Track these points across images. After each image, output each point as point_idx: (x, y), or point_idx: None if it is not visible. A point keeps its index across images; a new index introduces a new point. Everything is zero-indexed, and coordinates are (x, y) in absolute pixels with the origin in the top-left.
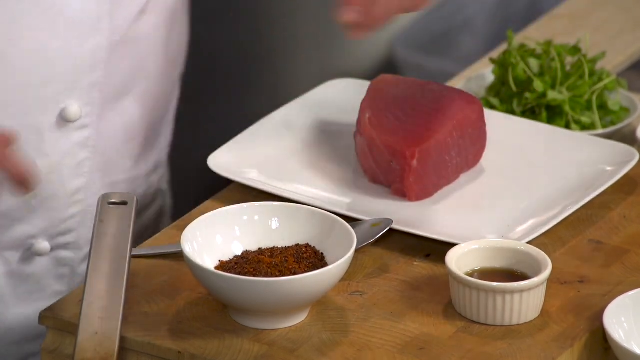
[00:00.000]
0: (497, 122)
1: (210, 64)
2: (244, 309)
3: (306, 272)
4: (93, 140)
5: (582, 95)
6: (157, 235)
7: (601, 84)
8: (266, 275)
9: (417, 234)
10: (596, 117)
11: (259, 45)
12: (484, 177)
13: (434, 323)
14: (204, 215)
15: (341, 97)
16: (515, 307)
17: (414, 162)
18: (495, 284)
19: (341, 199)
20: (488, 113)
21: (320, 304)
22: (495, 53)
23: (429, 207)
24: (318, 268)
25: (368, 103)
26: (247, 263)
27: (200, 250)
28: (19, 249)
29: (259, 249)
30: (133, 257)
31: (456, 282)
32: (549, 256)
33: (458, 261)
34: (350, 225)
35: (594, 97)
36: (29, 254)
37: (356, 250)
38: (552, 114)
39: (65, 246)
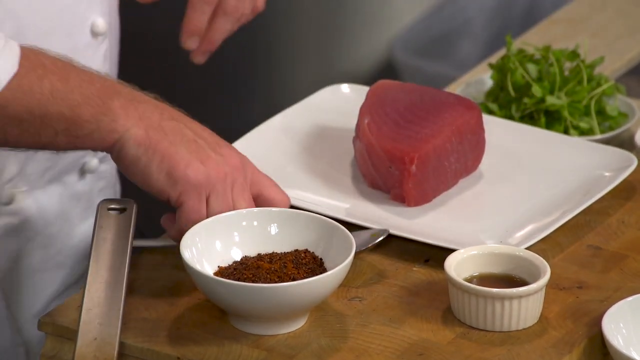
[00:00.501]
0: (495, 128)
1: (208, 70)
2: (243, 315)
3: (305, 277)
4: (109, 52)
5: (580, 101)
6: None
7: (599, 90)
8: (265, 281)
9: (415, 239)
10: (594, 122)
11: (258, 47)
12: (482, 182)
13: (433, 329)
14: (203, 222)
15: (340, 103)
16: (514, 313)
17: (413, 168)
18: (494, 290)
19: (340, 204)
20: (487, 118)
21: (319, 310)
22: (494, 58)
23: (427, 212)
24: (317, 274)
25: (367, 108)
26: (247, 269)
27: (200, 256)
28: (73, 171)
29: (258, 254)
30: (136, 248)
31: (455, 288)
32: (548, 261)
33: (457, 267)
34: (350, 232)
35: (593, 103)
36: (81, 173)
37: (354, 256)
38: (551, 119)
39: (106, 160)
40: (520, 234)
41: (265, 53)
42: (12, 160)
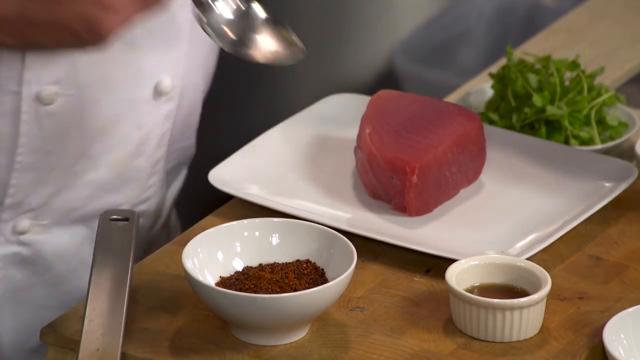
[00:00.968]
0: (496, 138)
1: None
2: (245, 325)
3: (307, 288)
4: (174, 113)
5: (580, 111)
6: (157, 251)
7: (600, 99)
8: (267, 291)
9: (417, 249)
10: (595, 132)
11: None
12: (483, 192)
13: (434, 339)
14: (205, 232)
15: (341, 112)
16: (515, 323)
17: (414, 178)
18: (495, 300)
19: (341, 214)
20: (487, 128)
21: (321, 320)
22: (494, 68)
23: (428, 222)
24: (318, 284)
25: (368, 118)
26: (248, 279)
27: (202, 267)
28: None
29: (260, 264)
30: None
31: (456, 299)
32: (549, 272)
33: (458, 277)
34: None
35: (593, 112)
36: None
37: (355, 266)
38: (551, 129)
39: (141, 213)
40: (520, 244)
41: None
42: (40, 193)
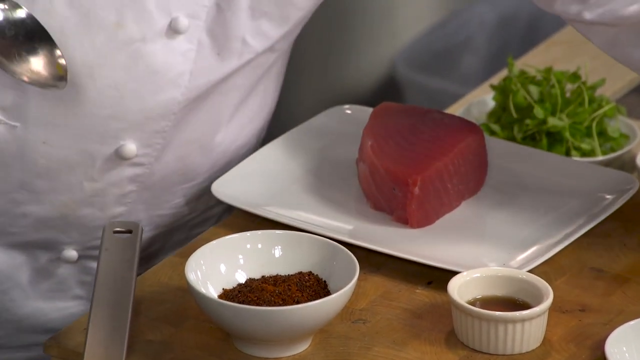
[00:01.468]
0: (498, 150)
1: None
2: (247, 338)
3: (309, 300)
4: (145, 177)
5: (582, 122)
6: (160, 263)
7: (601, 111)
8: (269, 304)
9: (418, 261)
10: (596, 143)
11: None
12: (485, 204)
13: (437, 352)
14: (207, 244)
15: (343, 124)
16: (517, 336)
17: (416, 190)
18: (497, 313)
19: (343, 226)
20: (489, 140)
21: (323, 332)
22: (496, 79)
23: (430, 234)
24: (321, 296)
25: (370, 130)
26: (251, 291)
27: (204, 279)
28: (48, 251)
29: (262, 277)
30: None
31: (458, 311)
32: (550, 284)
33: (460, 289)
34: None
35: (594, 124)
36: (57, 258)
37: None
38: (553, 141)
39: (93, 257)
40: (522, 256)
41: None
42: None
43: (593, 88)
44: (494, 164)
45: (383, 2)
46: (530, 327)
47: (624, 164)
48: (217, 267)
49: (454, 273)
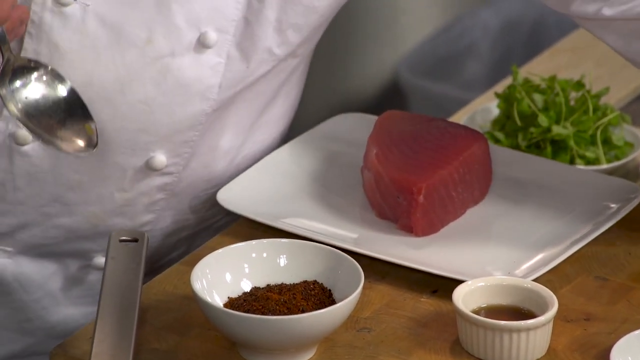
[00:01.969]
0: (502, 158)
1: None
2: (253, 346)
3: (314, 309)
4: (173, 185)
5: (586, 130)
6: (166, 271)
7: (605, 119)
8: (274, 312)
9: (423, 270)
10: (600, 152)
11: None
12: (489, 212)
13: None
14: (213, 253)
15: (348, 132)
16: (522, 345)
17: (421, 198)
18: (502, 322)
19: (348, 234)
20: (493, 148)
21: (328, 341)
22: (500, 87)
23: (435, 242)
24: (326, 305)
25: (375, 138)
26: (256, 300)
27: (210, 288)
28: (79, 259)
29: (268, 285)
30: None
31: (463, 320)
32: (555, 293)
33: (465, 298)
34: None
35: (598, 132)
36: (88, 265)
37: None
38: (557, 149)
39: None
40: (527, 265)
41: None
42: (6, 222)
43: (597, 96)
44: (499, 172)
45: (387, 8)
46: (535, 337)
47: (629, 172)
48: (222, 276)
49: (459, 282)
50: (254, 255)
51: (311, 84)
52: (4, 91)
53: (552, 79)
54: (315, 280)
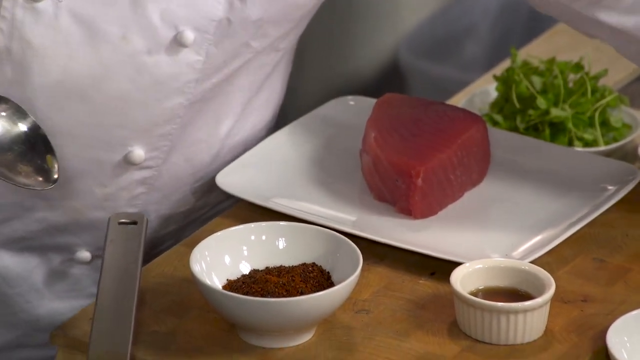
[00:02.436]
0: (500, 140)
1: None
2: (252, 328)
3: (313, 291)
4: (153, 179)
5: (584, 112)
6: (165, 253)
7: (604, 101)
8: (273, 295)
9: (421, 252)
10: (598, 133)
11: None
12: (487, 195)
13: (439, 342)
14: (212, 235)
15: (347, 115)
16: (519, 326)
17: (419, 181)
18: (499, 304)
19: (347, 217)
20: (492, 131)
21: (327, 323)
22: (499, 69)
23: (433, 225)
24: (324, 287)
25: (374, 122)
26: (255, 282)
27: (209, 270)
28: (61, 253)
29: (267, 268)
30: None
31: (461, 302)
32: (552, 274)
33: (462, 280)
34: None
35: (597, 114)
36: (71, 259)
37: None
38: (555, 131)
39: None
40: (524, 247)
41: None
42: None
43: (596, 78)
44: (497, 154)
45: None
46: (532, 318)
47: (627, 154)
48: (221, 259)
49: (457, 264)
50: (253, 237)
51: (310, 66)
52: None
53: (551, 61)
54: (314, 263)
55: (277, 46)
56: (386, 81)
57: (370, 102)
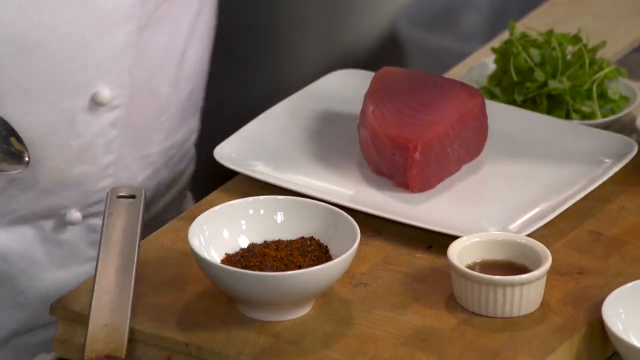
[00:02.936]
0: (498, 114)
1: (212, 52)
2: (250, 302)
3: (311, 265)
4: (123, 119)
5: (582, 85)
6: (164, 226)
7: (601, 73)
8: (272, 269)
9: (419, 226)
10: (596, 106)
11: (262, 23)
12: (485, 168)
13: (436, 315)
14: (210, 210)
15: (345, 89)
16: (515, 299)
17: (417, 155)
18: (496, 277)
19: (344, 191)
20: (489, 104)
21: (325, 296)
22: (497, 41)
23: (430, 198)
24: (322, 261)
25: (371, 95)
26: (253, 256)
27: (207, 244)
28: (52, 218)
29: (265, 242)
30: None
31: (458, 275)
32: (549, 247)
33: (460, 254)
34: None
35: (594, 86)
36: (62, 222)
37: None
38: (553, 103)
39: (96, 214)
40: (521, 220)
41: (268, 29)
42: None
43: (594, 50)
44: (494, 127)
45: None
46: (528, 291)
47: (624, 126)
48: (219, 232)
49: (454, 237)
50: (251, 211)
51: (309, 38)
52: None
53: (549, 33)
54: (312, 237)
55: None
56: (384, 53)
57: (368, 75)
